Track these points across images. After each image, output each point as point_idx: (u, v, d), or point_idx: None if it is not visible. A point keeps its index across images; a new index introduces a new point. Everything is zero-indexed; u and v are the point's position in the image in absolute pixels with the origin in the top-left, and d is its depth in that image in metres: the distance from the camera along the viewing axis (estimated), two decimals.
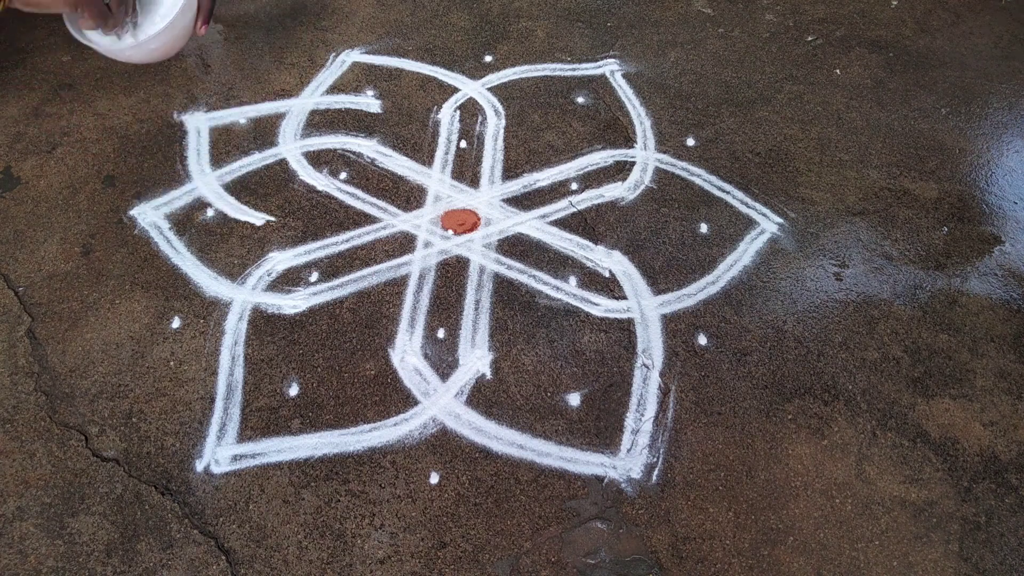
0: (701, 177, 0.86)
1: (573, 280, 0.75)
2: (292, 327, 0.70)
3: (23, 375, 0.66)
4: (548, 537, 0.58)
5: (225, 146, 0.87)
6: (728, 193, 0.84)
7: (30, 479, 0.60)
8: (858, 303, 0.75)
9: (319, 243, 0.78)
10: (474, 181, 0.85)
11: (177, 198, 0.81)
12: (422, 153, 0.88)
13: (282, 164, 0.86)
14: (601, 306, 0.73)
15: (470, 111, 0.93)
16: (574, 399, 0.66)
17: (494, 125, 0.91)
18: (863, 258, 0.79)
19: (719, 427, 0.65)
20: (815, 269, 0.77)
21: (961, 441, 0.65)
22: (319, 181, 0.84)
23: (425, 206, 0.82)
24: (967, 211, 0.84)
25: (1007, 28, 1.11)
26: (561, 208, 0.82)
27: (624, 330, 0.71)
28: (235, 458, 0.62)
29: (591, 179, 0.85)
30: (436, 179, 0.85)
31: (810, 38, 1.07)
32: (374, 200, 0.82)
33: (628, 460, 0.62)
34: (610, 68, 1.00)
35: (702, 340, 0.71)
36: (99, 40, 0.74)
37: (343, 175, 0.85)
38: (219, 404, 0.65)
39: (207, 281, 0.74)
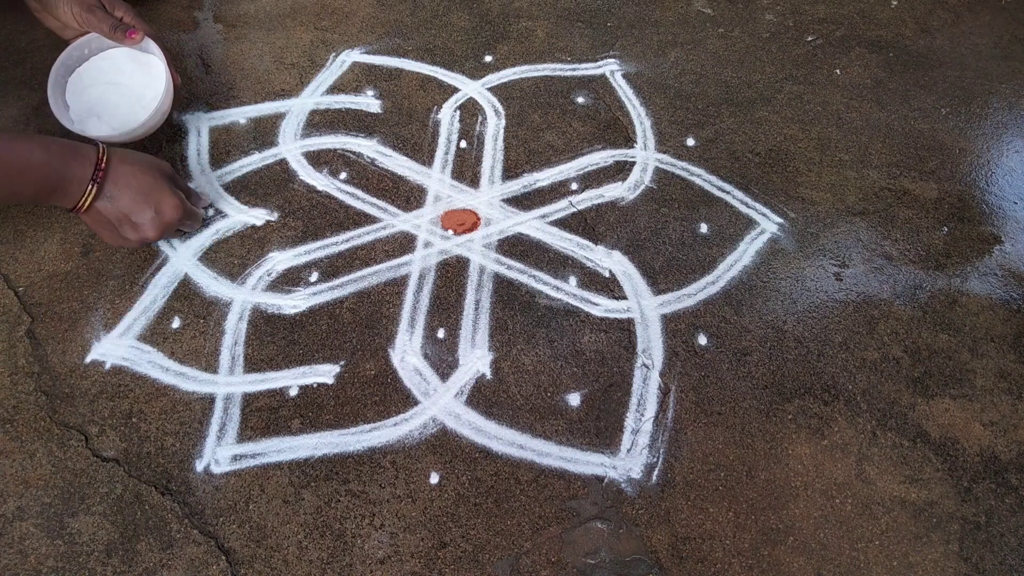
0: (701, 177, 0.86)
1: (573, 280, 0.75)
2: (292, 327, 0.71)
3: (23, 375, 0.66)
4: (548, 537, 0.58)
5: (225, 146, 0.87)
6: (728, 193, 0.84)
7: (30, 479, 0.60)
8: (858, 303, 0.75)
9: (319, 243, 0.78)
10: (474, 181, 0.85)
11: None
12: (422, 153, 0.88)
13: (282, 164, 0.86)
14: (601, 306, 0.73)
15: (470, 111, 0.93)
16: (574, 399, 0.66)
17: (494, 125, 0.91)
18: (863, 258, 0.79)
19: (719, 427, 0.65)
20: (815, 269, 0.77)
21: (961, 441, 0.65)
22: (319, 181, 0.84)
23: (425, 206, 0.82)
24: (967, 211, 0.84)
25: (1007, 28, 1.11)
26: (561, 208, 0.82)
27: (624, 330, 0.71)
28: (235, 458, 0.62)
29: (591, 179, 0.85)
30: (436, 179, 0.85)
31: (810, 38, 1.07)
32: (374, 200, 0.82)
33: (628, 460, 0.62)
34: (610, 68, 1.00)
35: (702, 340, 0.71)
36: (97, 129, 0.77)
37: (343, 175, 0.85)
38: (219, 404, 0.65)
39: (207, 281, 0.74)
